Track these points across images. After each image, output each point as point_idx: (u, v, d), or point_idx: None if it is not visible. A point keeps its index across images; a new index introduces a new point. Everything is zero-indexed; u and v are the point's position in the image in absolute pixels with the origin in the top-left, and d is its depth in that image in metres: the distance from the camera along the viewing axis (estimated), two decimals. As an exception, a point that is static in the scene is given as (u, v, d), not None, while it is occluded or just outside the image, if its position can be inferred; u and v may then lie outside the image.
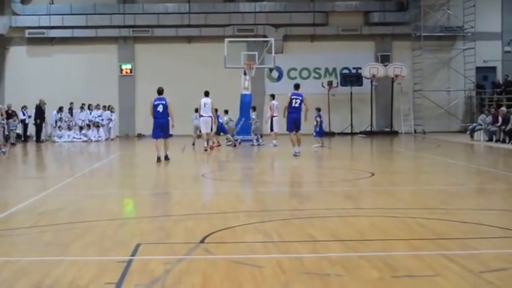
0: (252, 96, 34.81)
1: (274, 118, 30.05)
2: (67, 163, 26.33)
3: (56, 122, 39.10)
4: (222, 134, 31.11)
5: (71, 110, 39.70)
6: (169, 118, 22.72)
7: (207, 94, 28.32)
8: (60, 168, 24.23)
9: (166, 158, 22.67)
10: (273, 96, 30.76)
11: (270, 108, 30.39)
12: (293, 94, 24.10)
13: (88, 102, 40.01)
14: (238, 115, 34.03)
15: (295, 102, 23.90)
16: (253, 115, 31.66)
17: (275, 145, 29.47)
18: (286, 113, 24.11)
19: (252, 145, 31.06)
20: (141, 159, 26.41)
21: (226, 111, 31.80)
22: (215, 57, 38.37)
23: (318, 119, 29.54)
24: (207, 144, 28.14)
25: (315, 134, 29.68)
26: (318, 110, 30.01)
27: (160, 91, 22.80)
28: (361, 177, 17.61)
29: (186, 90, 39.23)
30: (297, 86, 24.74)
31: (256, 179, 18.35)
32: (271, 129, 30.22)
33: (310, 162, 23.27)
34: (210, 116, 27.81)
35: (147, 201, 14.06)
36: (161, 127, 22.64)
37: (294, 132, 24.18)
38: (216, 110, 29.26)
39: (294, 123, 24.04)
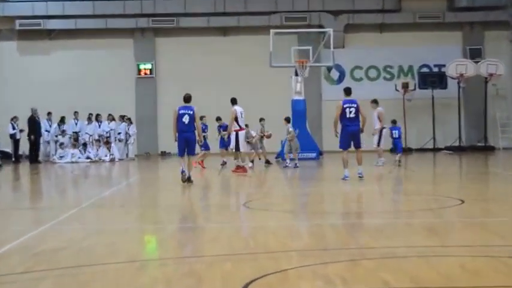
0: (306, 103, 34.87)
1: (383, 130, 30.03)
2: (71, 190, 26.57)
3: (56, 136, 39.44)
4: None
5: (75, 132, 39.80)
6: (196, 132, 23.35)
7: (236, 101, 28.38)
8: (62, 196, 24.44)
9: (189, 179, 23.04)
10: (376, 102, 30.24)
11: (379, 118, 29.95)
12: (345, 102, 23.78)
13: (96, 112, 40.20)
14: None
15: (350, 112, 23.66)
16: (289, 128, 31.37)
17: (383, 163, 29.36)
18: (340, 126, 23.87)
19: (285, 166, 30.85)
20: (165, 184, 26.53)
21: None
22: (258, 54, 38.54)
23: (395, 131, 29.57)
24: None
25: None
26: (394, 122, 30.07)
27: (187, 98, 23.10)
28: (447, 206, 17.59)
29: (221, 95, 39.22)
30: (348, 91, 24.41)
31: (313, 209, 18.35)
32: (379, 144, 30.04)
33: (381, 187, 23.27)
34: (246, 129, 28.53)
35: (173, 238, 14.08)
36: (187, 142, 23.06)
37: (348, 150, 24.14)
38: (247, 126, 29.48)
39: (351, 138, 23.87)
